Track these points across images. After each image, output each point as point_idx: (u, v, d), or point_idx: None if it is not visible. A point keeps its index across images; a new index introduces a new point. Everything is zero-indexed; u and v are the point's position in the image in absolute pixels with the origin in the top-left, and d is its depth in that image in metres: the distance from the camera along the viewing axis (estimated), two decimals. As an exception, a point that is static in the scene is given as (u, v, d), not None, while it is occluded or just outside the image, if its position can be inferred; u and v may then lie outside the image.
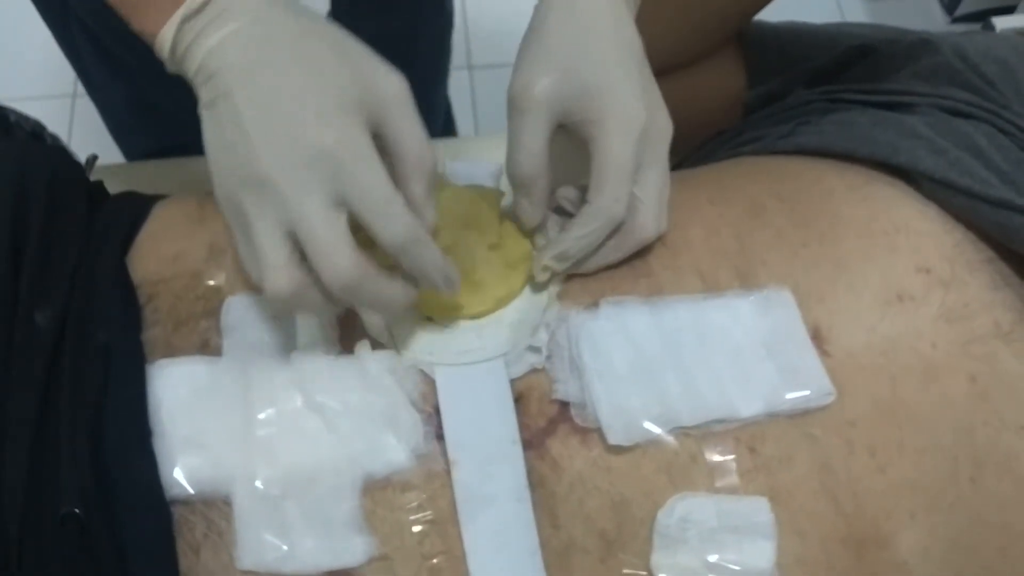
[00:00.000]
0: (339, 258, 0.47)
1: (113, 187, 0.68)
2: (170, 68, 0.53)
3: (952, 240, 0.57)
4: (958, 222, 0.58)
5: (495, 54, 1.84)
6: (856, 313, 0.55)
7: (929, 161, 0.59)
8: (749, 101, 0.76)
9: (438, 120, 1.43)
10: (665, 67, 0.84)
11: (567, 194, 0.58)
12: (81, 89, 1.76)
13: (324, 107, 0.48)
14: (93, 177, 0.70)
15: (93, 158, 0.66)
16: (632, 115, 0.54)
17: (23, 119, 1.40)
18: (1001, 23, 1.45)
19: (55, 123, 1.47)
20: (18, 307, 0.54)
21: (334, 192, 0.47)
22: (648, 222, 0.55)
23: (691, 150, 0.78)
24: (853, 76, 0.72)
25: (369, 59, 0.51)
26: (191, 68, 0.51)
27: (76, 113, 1.73)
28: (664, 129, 0.56)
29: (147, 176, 0.82)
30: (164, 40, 0.51)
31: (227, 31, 0.49)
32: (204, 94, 0.51)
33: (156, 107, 1.10)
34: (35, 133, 1.38)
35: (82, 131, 1.71)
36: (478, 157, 0.83)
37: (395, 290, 0.51)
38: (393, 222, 0.48)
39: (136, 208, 0.63)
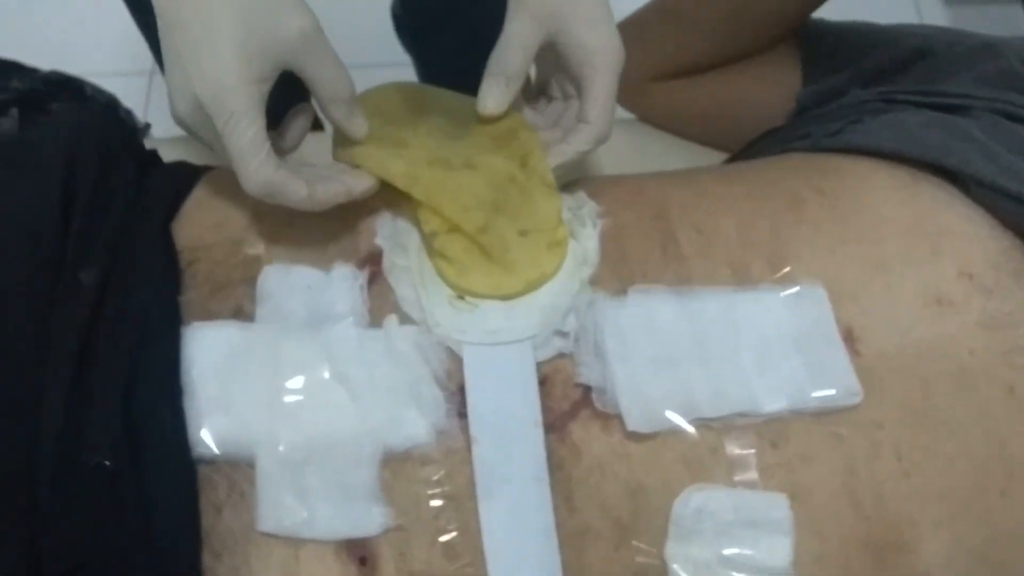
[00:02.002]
0: (243, 178, 0.54)
1: (172, 158, 0.70)
2: None
3: (999, 247, 0.56)
4: (1006, 229, 0.57)
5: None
6: (891, 314, 0.54)
7: (980, 165, 0.57)
8: (803, 99, 0.75)
9: None
10: (722, 61, 0.83)
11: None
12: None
13: (203, 56, 0.52)
14: (156, 148, 0.72)
15: (146, 126, 0.68)
16: (620, 52, 0.60)
17: (98, 92, 1.44)
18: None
19: (132, 100, 1.50)
20: (64, 264, 0.56)
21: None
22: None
23: (741, 148, 0.77)
24: (911, 77, 0.71)
25: (272, 1, 0.53)
26: None
27: (153, 90, 1.78)
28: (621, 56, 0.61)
29: (204, 149, 0.84)
30: None
31: None
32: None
33: None
34: (109, 107, 1.42)
35: (159, 108, 1.75)
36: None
37: (298, 189, 0.54)
38: (246, 178, 0.54)
39: (185, 176, 0.65)
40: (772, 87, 0.80)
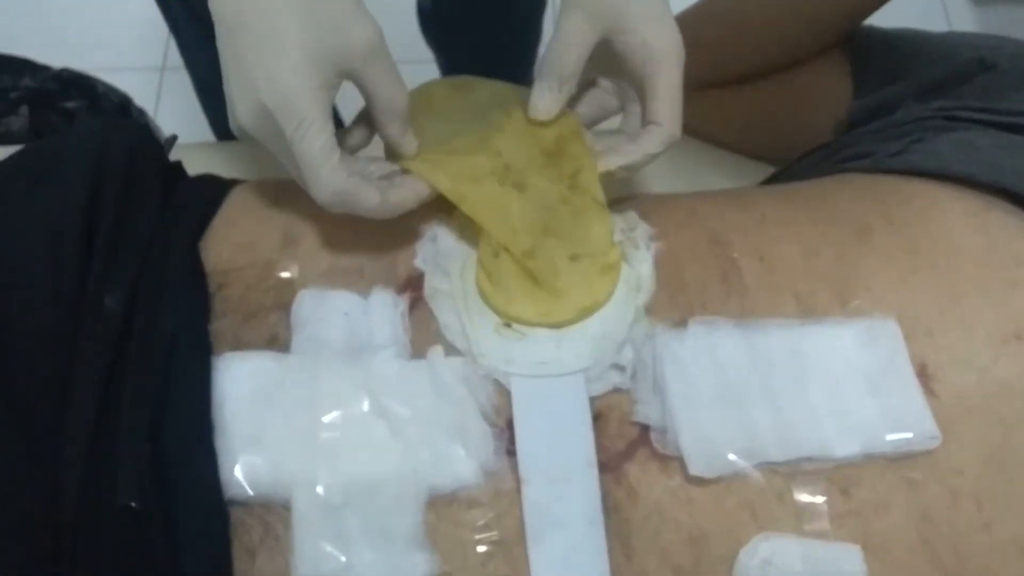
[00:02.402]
0: (313, 186, 0.52)
1: (194, 168, 0.67)
2: None
3: None
4: None
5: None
6: (968, 351, 0.51)
7: None
8: (854, 112, 0.71)
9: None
10: (768, 69, 0.80)
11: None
12: (170, 62, 1.78)
13: (272, 63, 0.50)
14: (175, 156, 0.69)
15: (173, 138, 0.65)
16: (679, 46, 0.58)
17: (111, 90, 1.41)
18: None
19: (143, 96, 1.48)
20: (88, 287, 0.53)
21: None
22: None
23: (792, 160, 0.74)
24: (971, 92, 0.67)
25: (338, 8, 0.51)
26: None
27: (164, 86, 1.74)
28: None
29: (227, 157, 0.81)
30: None
31: None
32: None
33: None
34: (122, 106, 1.39)
35: (169, 105, 1.72)
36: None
37: (371, 196, 0.52)
38: (317, 188, 0.52)
39: (212, 191, 0.62)
40: (820, 97, 0.77)
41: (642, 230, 0.57)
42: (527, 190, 0.56)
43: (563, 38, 0.58)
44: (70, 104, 1.36)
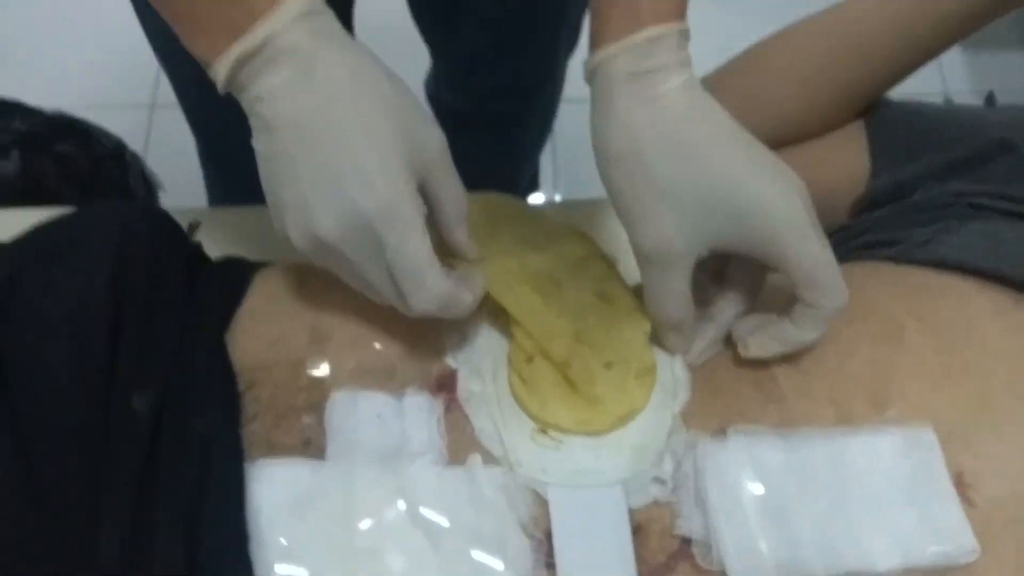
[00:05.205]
0: (415, 295, 0.50)
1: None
2: (221, 91, 0.51)
3: None
4: None
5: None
6: (1004, 458, 0.51)
7: None
8: (875, 192, 0.72)
9: (523, 183, 1.42)
10: (786, 141, 0.80)
11: (746, 329, 0.55)
12: (160, 100, 1.76)
13: (370, 170, 0.48)
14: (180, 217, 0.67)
15: (195, 224, 0.64)
16: (793, 212, 0.50)
17: (104, 135, 1.39)
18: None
19: (132, 134, 1.47)
20: (115, 386, 0.52)
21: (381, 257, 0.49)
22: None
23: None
24: (993, 174, 0.67)
25: (415, 112, 0.51)
26: (244, 105, 0.51)
27: (154, 124, 1.73)
28: (804, 192, 0.52)
29: (231, 221, 0.80)
30: (218, 71, 0.50)
31: (279, 78, 0.49)
32: (259, 143, 0.51)
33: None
34: (116, 151, 1.37)
35: (159, 142, 1.71)
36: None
37: (466, 297, 0.52)
38: (421, 295, 0.50)
39: (236, 278, 0.61)
40: (837, 171, 0.77)
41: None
42: (560, 298, 0.55)
43: (656, 290, 0.53)
44: (63, 147, 1.35)
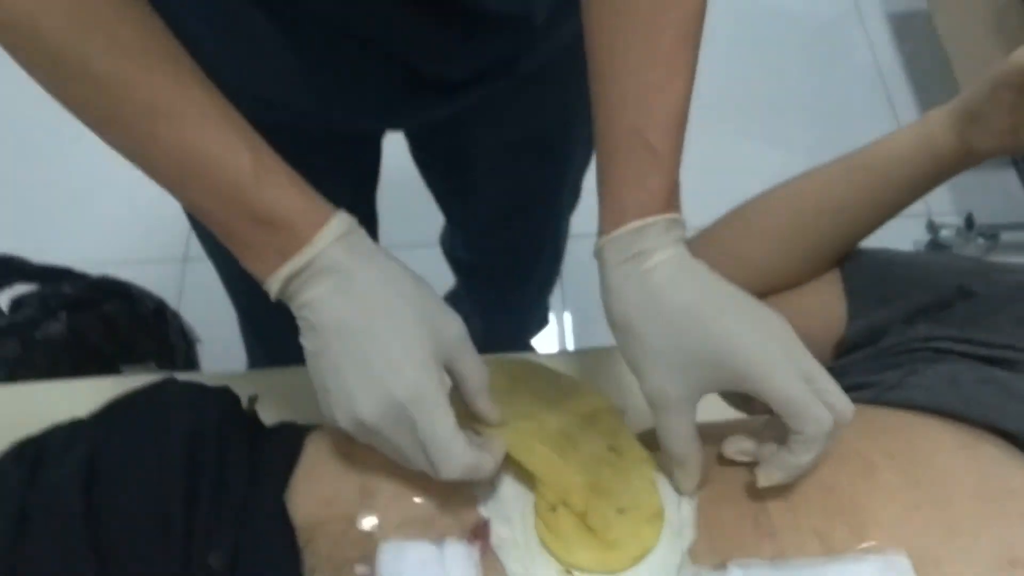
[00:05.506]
0: (443, 465, 0.58)
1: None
2: (273, 299, 0.61)
3: None
4: None
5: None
6: None
7: None
8: (851, 335, 0.80)
9: (534, 320, 1.55)
10: (772, 291, 0.88)
11: (741, 447, 0.64)
12: (192, 253, 1.88)
13: (400, 362, 0.58)
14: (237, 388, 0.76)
15: (254, 398, 0.72)
16: (765, 352, 0.59)
17: (146, 295, 1.50)
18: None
19: (165, 288, 1.57)
20: (193, 546, 0.60)
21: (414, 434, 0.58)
22: (844, 410, 0.60)
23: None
24: (952, 319, 0.76)
25: (438, 308, 0.61)
26: (293, 309, 0.61)
27: (187, 277, 1.84)
28: (787, 332, 0.61)
29: (266, 383, 0.88)
30: (271, 286, 0.60)
31: (323, 289, 0.59)
32: (308, 342, 0.61)
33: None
34: (157, 310, 1.47)
35: (192, 295, 1.81)
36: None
37: (488, 462, 0.60)
38: (449, 465, 0.58)
39: (291, 443, 0.69)
40: (817, 319, 0.85)
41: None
42: (575, 453, 0.64)
43: (662, 431, 0.62)
44: (108, 308, 1.45)
